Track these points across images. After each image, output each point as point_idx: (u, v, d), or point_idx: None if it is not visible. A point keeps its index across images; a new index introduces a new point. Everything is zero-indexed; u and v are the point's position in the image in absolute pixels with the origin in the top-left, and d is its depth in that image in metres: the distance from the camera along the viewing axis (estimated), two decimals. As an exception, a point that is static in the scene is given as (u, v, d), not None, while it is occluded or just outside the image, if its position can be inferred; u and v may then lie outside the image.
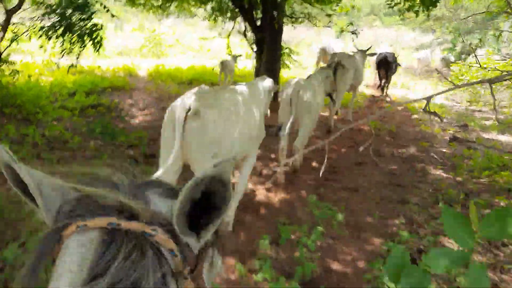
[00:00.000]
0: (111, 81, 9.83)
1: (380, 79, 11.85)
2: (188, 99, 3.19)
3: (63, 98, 8.09)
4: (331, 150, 6.82)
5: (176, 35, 20.24)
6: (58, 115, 6.91)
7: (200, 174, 0.72)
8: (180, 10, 11.18)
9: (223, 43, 11.94)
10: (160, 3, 9.51)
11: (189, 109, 3.10)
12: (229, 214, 3.93)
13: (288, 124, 5.06)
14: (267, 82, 4.58)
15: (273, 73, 8.35)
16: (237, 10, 8.82)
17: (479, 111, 11.18)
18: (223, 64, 10.49)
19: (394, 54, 12.79)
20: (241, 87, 3.97)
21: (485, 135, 8.71)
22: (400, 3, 8.65)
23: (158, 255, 0.67)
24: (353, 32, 7.66)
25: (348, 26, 7.91)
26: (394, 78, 13.71)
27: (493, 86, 10.01)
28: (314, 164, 6.13)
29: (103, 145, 5.77)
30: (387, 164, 6.37)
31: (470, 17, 14.36)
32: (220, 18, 9.38)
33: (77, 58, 5.47)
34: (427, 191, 5.44)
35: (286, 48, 9.13)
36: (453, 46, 16.41)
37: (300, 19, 8.75)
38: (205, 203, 0.75)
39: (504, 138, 8.59)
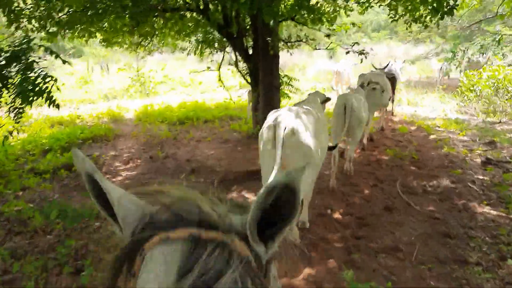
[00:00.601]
0: (92, 131, 8.74)
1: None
2: (283, 119, 3.71)
3: (34, 158, 6.97)
4: (351, 192, 5.67)
5: (166, 71, 19.38)
6: (24, 184, 5.75)
7: (273, 181, 0.72)
8: (163, 45, 10.21)
9: (215, 75, 10.90)
10: (139, 40, 8.51)
11: (285, 128, 3.65)
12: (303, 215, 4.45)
13: (342, 134, 5.63)
14: (322, 97, 5.18)
15: (273, 105, 7.26)
16: (224, 39, 7.81)
17: (499, 122, 10.09)
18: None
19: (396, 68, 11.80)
20: (311, 106, 4.49)
21: (518, 152, 7.60)
22: (405, 15, 7.69)
23: (237, 261, 0.69)
24: (361, 53, 6.62)
25: (353, 45, 6.87)
26: (398, 94, 12.72)
27: (509, 94, 8.91)
28: (338, 215, 4.95)
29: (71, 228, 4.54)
30: (422, 205, 5.20)
31: (468, 24, 13.47)
32: (208, 50, 8.35)
33: (16, 117, 4.30)
34: (484, 240, 4.27)
35: (284, 76, 8.09)
36: (453, 55, 15.46)
37: (296, 43, 7.71)
38: (274, 212, 0.75)
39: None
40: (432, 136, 8.80)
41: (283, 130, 3.62)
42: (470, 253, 4.02)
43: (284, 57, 21.97)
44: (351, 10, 9.75)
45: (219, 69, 9.07)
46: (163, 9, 7.02)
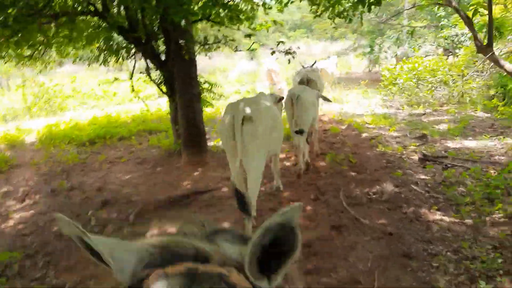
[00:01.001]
0: (-23, 164, 7.20)
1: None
2: (240, 109, 3.89)
3: None
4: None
5: (77, 83, 17.57)
6: None
7: (268, 221, 0.72)
8: (64, 56, 8.82)
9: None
10: (29, 52, 7.15)
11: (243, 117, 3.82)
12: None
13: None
14: (274, 98, 5.38)
15: (194, 116, 6.36)
16: (131, 45, 6.75)
17: (424, 114, 10.05)
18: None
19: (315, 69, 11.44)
20: (266, 98, 4.82)
21: (450, 144, 7.42)
22: (327, 9, 7.18)
23: None
24: (288, 52, 5.97)
25: (278, 45, 6.19)
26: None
27: (429, 85, 8.84)
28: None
29: None
30: (371, 218, 4.62)
31: (386, 18, 13.56)
32: (118, 58, 7.19)
33: None
34: (447, 257, 3.73)
35: (205, 82, 7.20)
36: (371, 49, 15.59)
37: (214, 45, 6.86)
38: (274, 248, 0.75)
39: (471, 143, 7.34)
40: (364, 135, 8.43)
41: (241, 119, 3.78)
42: (436, 276, 3.45)
43: (203, 61, 21.09)
44: (270, 8, 9.16)
45: (131, 78, 7.94)
46: (54, 15, 5.82)
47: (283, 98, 5.59)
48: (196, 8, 5.51)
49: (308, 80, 7.42)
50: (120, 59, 7.29)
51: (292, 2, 8.03)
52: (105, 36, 6.63)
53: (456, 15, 13.14)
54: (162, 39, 6.62)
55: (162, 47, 6.91)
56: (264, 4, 8.71)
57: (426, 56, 13.33)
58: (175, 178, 6.14)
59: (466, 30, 12.24)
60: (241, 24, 6.79)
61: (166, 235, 1.14)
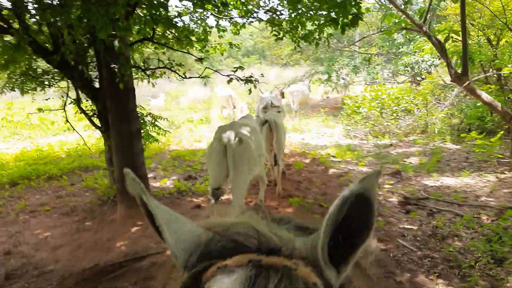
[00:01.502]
0: None
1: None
2: (231, 131, 4.09)
3: None
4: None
5: (13, 110, 15.65)
6: None
7: (347, 191, 0.62)
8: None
9: (74, 112, 8.19)
10: None
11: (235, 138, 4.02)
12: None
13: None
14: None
15: (133, 158, 5.10)
16: (55, 70, 5.47)
17: (391, 145, 9.32)
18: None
19: (278, 95, 10.60)
20: (252, 121, 5.11)
21: (427, 181, 6.61)
22: (290, 31, 6.27)
23: None
24: (248, 80, 4.96)
25: (235, 71, 5.14)
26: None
27: (393, 114, 8.11)
28: None
29: None
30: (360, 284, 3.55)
31: (348, 44, 12.98)
32: (34, 85, 5.83)
33: None
34: None
35: (147, 115, 5.99)
36: (329, 76, 14.99)
37: (159, 71, 5.70)
38: (345, 229, 0.64)
39: (450, 181, 6.56)
40: (332, 171, 7.48)
41: (233, 140, 3.99)
42: None
43: (150, 87, 19.77)
44: (224, 30, 8.21)
45: (63, 107, 6.58)
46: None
47: (267, 121, 5.72)
48: (135, 25, 4.35)
49: (272, 106, 7.47)
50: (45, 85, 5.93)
51: (250, 22, 7.11)
52: (22, 58, 5.31)
53: (417, 42, 12.85)
54: (95, 63, 5.39)
55: (96, 73, 5.67)
56: (218, 25, 7.75)
57: (383, 83, 12.84)
58: (107, 236, 4.82)
59: (427, 57, 11.88)
60: (191, 47, 5.71)
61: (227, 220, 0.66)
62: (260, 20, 8.15)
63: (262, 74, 5.69)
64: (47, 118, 14.16)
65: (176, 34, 5.31)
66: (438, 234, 4.61)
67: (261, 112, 7.42)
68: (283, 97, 14.39)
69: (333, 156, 8.57)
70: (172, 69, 5.19)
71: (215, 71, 5.47)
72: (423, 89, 10.02)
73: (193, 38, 5.75)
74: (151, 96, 17.17)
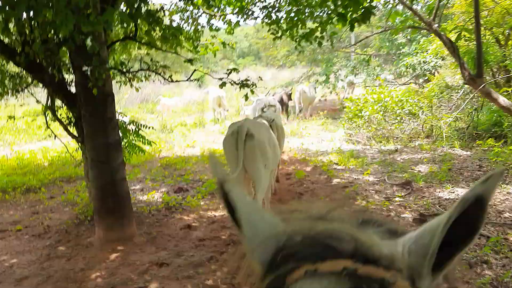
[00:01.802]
0: None
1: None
2: (244, 127, 4.16)
3: None
4: None
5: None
6: None
7: (470, 192, 0.57)
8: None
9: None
10: None
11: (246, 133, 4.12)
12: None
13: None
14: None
15: (111, 176, 4.41)
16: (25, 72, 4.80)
17: (396, 151, 8.68)
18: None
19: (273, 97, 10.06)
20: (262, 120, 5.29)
21: (441, 193, 5.98)
22: (289, 29, 5.64)
23: None
24: (244, 85, 4.33)
25: (229, 73, 4.49)
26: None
27: (397, 118, 7.40)
28: None
29: None
30: None
31: (348, 45, 12.35)
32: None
33: None
34: None
35: (130, 122, 5.32)
36: (327, 78, 14.37)
37: (145, 74, 5.02)
38: (449, 233, 0.57)
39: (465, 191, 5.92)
40: (335, 180, 6.84)
41: (244, 136, 4.07)
42: None
43: (145, 88, 18.96)
44: (217, 30, 7.56)
45: (44, 113, 5.89)
46: None
47: (273, 120, 5.63)
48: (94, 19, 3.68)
49: (269, 106, 7.50)
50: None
51: (245, 19, 6.47)
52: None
53: (419, 42, 12.26)
54: (68, 65, 4.72)
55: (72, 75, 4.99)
56: (208, 21, 7.14)
57: (378, 86, 12.24)
58: (81, 265, 4.13)
59: (429, 57, 11.28)
60: (180, 47, 5.05)
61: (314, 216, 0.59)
62: (255, 18, 7.55)
63: (260, 77, 5.04)
64: (34, 122, 13.40)
65: (162, 33, 4.63)
66: (464, 261, 3.97)
67: (259, 112, 7.29)
68: (290, 99, 13.96)
69: (336, 164, 7.93)
70: (157, 71, 4.52)
71: (206, 73, 4.82)
72: (429, 91, 9.40)
73: (181, 37, 5.07)
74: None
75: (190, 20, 7.26)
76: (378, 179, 6.86)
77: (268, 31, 5.74)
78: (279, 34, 5.45)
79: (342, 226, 0.62)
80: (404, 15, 6.93)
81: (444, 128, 9.08)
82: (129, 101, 17.04)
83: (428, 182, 6.50)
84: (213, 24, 7.71)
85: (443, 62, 11.13)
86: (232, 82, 4.47)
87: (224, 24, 7.86)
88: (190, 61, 4.78)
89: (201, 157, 8.76)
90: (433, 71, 11.43)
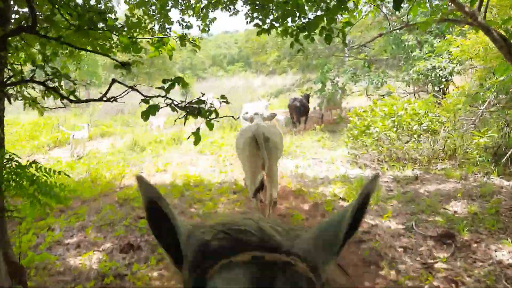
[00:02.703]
0: None
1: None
2: (260, 130, 4.76)
3: None
4: None
5: None
6: None
7: (365, 188, 0.72)
8: None
9: None
10: None
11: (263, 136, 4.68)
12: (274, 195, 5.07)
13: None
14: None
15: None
16: None
17: (416, 179, 6.83)
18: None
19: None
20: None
21: (501, 255, 4.13)
22: (280, 18, 3.78)
23: (305, 283, 0.65)
24: (192, 111, 2.49)
25: (168, 88, 2.61)
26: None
27: (414, 135, 5.69)
28: None
29: None
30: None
31: (356, 45, 10.54)
32: None
33: None
34: None
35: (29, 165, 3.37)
36: (323, 86, 12.54)
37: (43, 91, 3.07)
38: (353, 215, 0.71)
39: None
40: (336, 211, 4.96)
41: (262, 138, 4.61)
42: None
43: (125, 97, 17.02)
44: (189, 27, 5.81)
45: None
46: None
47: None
48: None
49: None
50: None
51: (227, 10, 4.62)
52: None
53: (429, 42, 10.49)
54: None
55: None
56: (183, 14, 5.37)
57: (386, 94, 10.44)
58: None
59: (445, 62, 9.49)
60: (110, 44, 3.16)
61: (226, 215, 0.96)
62: (236, 11, 5.78)
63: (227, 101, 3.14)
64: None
65: (76, 21, 2.76)
66: None
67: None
68: (308, 102, 12.70)
69: (342, 199, 6.06)
70: (48, 84, 2.62)
71: (130, 87, 2.92)
72: (453, 103, 7.58)
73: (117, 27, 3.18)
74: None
75: (158, 15, 5.42)
76: (404, 226, 5.00)
77: (251, 20, 3.87)
78: (266, 26, 3.61)
79: (251, 222, 0.69)
80: (433, 5, 5.12)
81: (473, 148, 7.28)
82: (103, 112, 15.01)
83: (474, 232, 4.66)
84: (184, 19, 5.90)
85: (460, 67, 9.35)
86: (175, 104, 2.61)
87: (198, 20, 6.05)
88: (124, 65, 2.88)
89: (170, 187, 6.84)
90: (450, 78, 9.65)
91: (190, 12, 5.86)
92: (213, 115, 2.76)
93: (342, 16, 3.91)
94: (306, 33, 3.40)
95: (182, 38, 4.49)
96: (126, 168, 7.97)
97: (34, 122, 12.65)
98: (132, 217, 5.50)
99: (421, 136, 7.71)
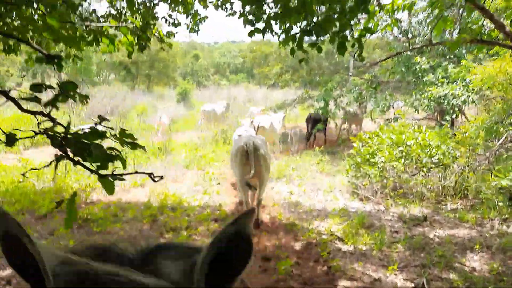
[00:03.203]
0: None
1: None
2: (250, 141, 5.36)
3: None
4: None
5: None
6: None
7: (222, 230, 0.63)
8: None
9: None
10: None
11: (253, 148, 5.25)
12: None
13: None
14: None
15: None
16: None
17: (425, 220, 5.91)
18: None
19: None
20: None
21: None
22: (278, 18, 2.90)
23: None
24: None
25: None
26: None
27: (424, 169, 4.76)
28: None
29: None
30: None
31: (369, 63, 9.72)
32: None
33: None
34: None
35: None
36: (325, 104, 11.66)
37: None
38: (225, 261, 0.64)
39: None
40: (343, 283, 4.03)
41: (252, 149, 5.20)
42: None
43: (115, 98, 16.03)
44: (177, 25, 5.01)
45: None
46: None
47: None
48: None
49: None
50: None
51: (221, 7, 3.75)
52: None
53: (448, 68, 9.65)
54: None
55: None
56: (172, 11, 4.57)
57: (393, 120, 9.59)
58: None
59: (458, 90, 8.65)
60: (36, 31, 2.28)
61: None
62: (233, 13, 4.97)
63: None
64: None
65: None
66: None
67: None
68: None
69: (341, 239, 5.13)
70: None
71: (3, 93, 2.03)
72: (469, 135, 6.70)
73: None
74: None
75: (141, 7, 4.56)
76: (413, 284, 4.07)
77: (245, 20, 3.00)
78: (262, 22, 2.75)
79: (118, 260, 0.62)
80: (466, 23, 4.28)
81: (487, 189, 6.38)
82: (91, 113, 14.02)
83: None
84: (171, 16, 5.06)
85: (476, 97, 8.51)
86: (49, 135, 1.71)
87: (187, 18, 5.22)
88: (52, 58, 1.98)
89: (144, 207, 5.89)
90: (463, 107, 8.80)
91: (181, 9, 5.03)
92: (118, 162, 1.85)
93: (359, 20, 3.09)
94: (312, 37, 2.54)
95: (144, 30, 3.60)
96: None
97: (16, 117, 11.74)
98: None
99: (430, 170, 6.81)
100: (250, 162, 5.18)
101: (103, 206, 5.80)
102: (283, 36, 3.07)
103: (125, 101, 18.17)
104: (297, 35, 2.67)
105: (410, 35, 10.20)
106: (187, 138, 12.43)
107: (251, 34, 2.83)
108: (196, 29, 5.10)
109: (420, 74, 9.74)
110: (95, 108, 13.89)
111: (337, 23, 2.72)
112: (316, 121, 11.60)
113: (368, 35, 3.37)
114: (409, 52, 9.87)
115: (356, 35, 2.89)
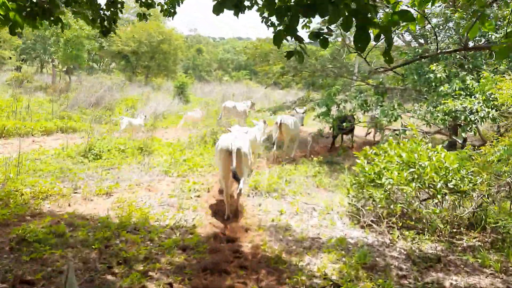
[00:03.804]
0: None
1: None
2: (233, 141, 5.72)
3: None
4: None
5: None
6: None
7: None
8: None
9: None
10: None
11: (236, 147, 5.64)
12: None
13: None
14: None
15: None
16: None
17: (438, 261, 4.82)
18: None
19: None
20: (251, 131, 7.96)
21: None
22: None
23: None
24: None
25: None
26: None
27: (436, 196, 3.72)
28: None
29: None
30: None
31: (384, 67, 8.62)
32: None
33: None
34: None
35: None
36: (328, 109, 10.57)
37: None
38: None
39: None
40: None
41: (235, 148, 5.58)
42: None
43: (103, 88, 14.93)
44: (150, 5, 3.88)
45: None
46: None
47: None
48: None
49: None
50: None
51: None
52: None
53: (467, 79, 8.53)
54: None
55: None
56: None
57: (402, 133, 8.50)
58: None
59: (478, 104, 7.56)
60: None
61: None
62: None
63: None
64: None
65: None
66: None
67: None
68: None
69: (336, 286, 4.04)
70: None
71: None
72: (494, 159, 5.62)
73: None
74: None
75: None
76: None
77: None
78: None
79: None
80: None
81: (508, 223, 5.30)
82: (74, 103, 12.86)
83: None
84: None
85: (497, 113, 7.42)
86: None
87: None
88: None
89: (100, 226, 4.80)
90: (481, 123, 7.70)
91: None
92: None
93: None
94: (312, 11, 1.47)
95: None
96: (56, 184, 5.93)
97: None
98: (11, 278, 3.46)
99: (445, 197, 5.74)
100: (232, 160, 5.51)
101: (51, 221, 4.70)
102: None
103: (119, 92, 17.08)
104: (289, 14, 1.62)
105: (433, 37, 9.08)
106: (176, 136, 11.38)
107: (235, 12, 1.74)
108: (172, 11, 4.01)
109: (434, 84, 8.63)
110: (79, 96, 12.76)
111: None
112: (342, 122, 10.62)
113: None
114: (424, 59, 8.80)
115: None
